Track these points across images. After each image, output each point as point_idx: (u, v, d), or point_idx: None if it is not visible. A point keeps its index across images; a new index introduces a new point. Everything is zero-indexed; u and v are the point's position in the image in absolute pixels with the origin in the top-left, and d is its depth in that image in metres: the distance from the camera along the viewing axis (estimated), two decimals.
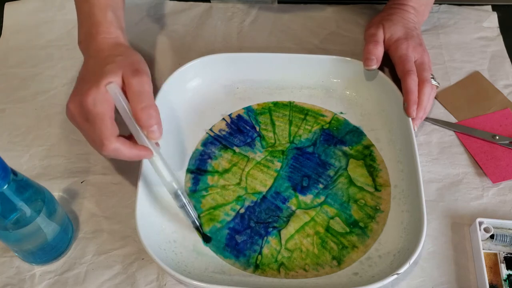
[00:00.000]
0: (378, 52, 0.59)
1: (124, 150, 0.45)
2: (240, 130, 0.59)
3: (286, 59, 0.62)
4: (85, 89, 0.45)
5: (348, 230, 0.52)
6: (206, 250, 0.51)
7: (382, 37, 0.60)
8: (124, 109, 0.46)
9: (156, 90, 0.57)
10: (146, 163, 0.52)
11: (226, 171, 0.56)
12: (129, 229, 0.52)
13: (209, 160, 0.57)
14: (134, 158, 0.46)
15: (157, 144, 0.48)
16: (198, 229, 0.51)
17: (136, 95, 0.45)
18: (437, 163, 0.57)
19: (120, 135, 0.46)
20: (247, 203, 0.54)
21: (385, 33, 0.60)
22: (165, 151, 0.56)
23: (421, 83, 0.56)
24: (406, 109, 0.55)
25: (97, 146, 0.45)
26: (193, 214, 0.50)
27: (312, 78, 0.62)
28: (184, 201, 0.49)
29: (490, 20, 0.70)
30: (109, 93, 0.45)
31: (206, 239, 0.51)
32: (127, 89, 0.46)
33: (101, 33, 0.50)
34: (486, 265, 0.48)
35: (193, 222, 0.50)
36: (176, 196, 0.49)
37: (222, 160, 0.57)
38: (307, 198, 0.54)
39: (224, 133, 0.59)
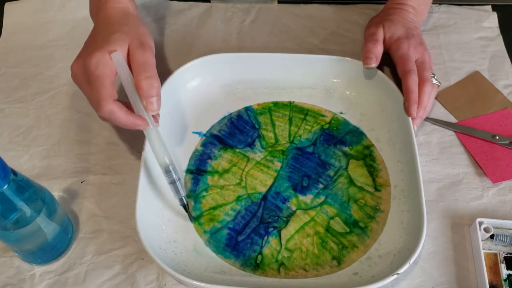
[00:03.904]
0: (378, 50, 0.59)
1: (119, 114, 0.46)
2: (240, 130, 0.59)
3: (286, 59, 0.62)
4: (89, 52, 0.46)
5: (348, 230, 0.52)
6: (206, 250, 0.51)
7: (382, 36, 0.60)
8: (126, 77, 0.47)
9: None
10: (146, 163, 0.52)
11: (226, 171, 0.56)
12: (129, 229, 0.52)
13: (209, 160, 0.57)
14: (129, 125, 0.47)
15: (155, 120, 0.49)
16: (185, 207, 0.51)
17: (140, 65, 0.47)
18: (437, 163, 0.57)
19: (119, 101, 0.46)
20: (247, 203, 0.54)
21: (385, 33, 0.60)
22: None
23: (421, 82, 0.56)
24: (407, 109, 0.55)
25: (95, 106, 0.46)
26: (182, 192, 0.50)
27: (312, 78, 0.62)
28: (174, 177, 0.49)
29: (490, 20, 0.70)
30: (112, 60, 0.46)
31: (191, 218, 0.52)
32: (131, 59, 0.47)
33: (110, 2, 0.52)
34: (486, 265, 0.48)
35: (181, 200, 0.50)
36: (166, 171, 0.49)
37: (222, 160, 0.57)
38: (307, 198, 0.54)
39: (224, 133, 0.59)
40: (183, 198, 0.50)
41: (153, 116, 0.49)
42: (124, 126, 0.47)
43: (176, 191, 0.50)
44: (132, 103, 0.48)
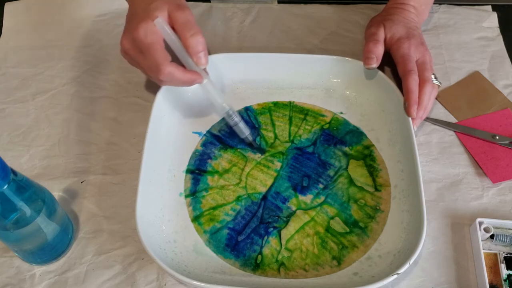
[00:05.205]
0: (378, 51, 0.59)
1: (178, 73, 0.50)
2: None
3: (286, 59, 0.62)
4: (135, 25, 0.50)
5: (348, 230, 0.52)
6: (206, 250, 0.51)
7: (382, 36, 0.60)
8: (172, 39, 0.50)
9: (156, 90, 0.57)
10: (145, 162, 0.52)
11: (226, 171, 0.56)
12: (129, 229, 0.52)
13: (209, 160, 0.57)
14: (187, 82, 0.51)
15: (205, 71, 0.53)
16: (251, 144, 0.57)
17: (183, 25, 0.50)
18: (437, 163, 0.57)
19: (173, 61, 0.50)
20: (247, 203, 0.54)
21: (386, 33, 0.60)
22: (166, 151, 0.56)
23: (422, 82, 0.56)
24: (407, 109, 0.55)
25: (154, 72, 0.50)
26: (245, 131, 0.56)
27: (312, 78, 0.62)
28: (236, 119, 0.55)
29: (490, 20, 0.70)
30: (157, 26, 0.49)
31: (261, 151, 0.57)
32: (173, 21, 0.50)
33: None
34: (486, 265, 0.48)
35: (246, 138, 0.57)
36: (228, 116, 0.55)
37: (222, 160, 0.57)
38: (307, 198, 0.54)
39: (224, 133, 0.59)
40: (248, 136, 0.56)
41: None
42: (183, 84, 0.52)
43: (240, 131, 0.56)
44: (184, 61, 0.51)
